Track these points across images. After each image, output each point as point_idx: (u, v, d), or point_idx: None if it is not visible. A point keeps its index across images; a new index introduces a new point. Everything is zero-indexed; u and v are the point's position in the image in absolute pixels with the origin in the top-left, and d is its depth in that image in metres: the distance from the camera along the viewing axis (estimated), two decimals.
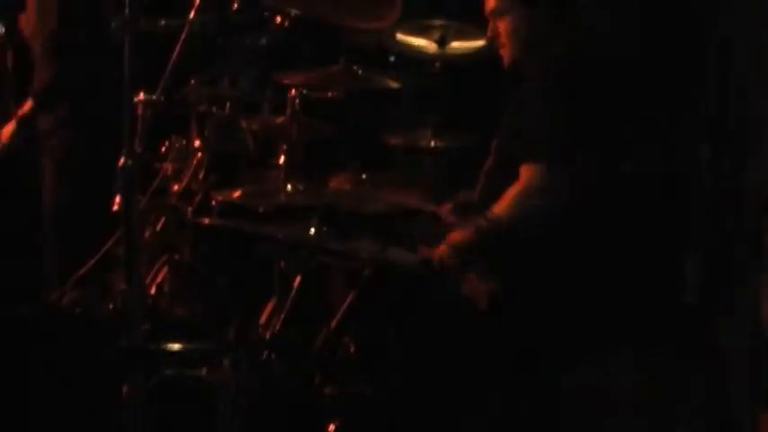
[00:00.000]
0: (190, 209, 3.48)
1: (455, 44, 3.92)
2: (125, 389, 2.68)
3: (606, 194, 2.87)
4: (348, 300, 3.16)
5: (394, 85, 3.98)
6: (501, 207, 2.87)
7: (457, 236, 2.95)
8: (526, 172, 2.81)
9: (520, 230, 2.83)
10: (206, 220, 3.28)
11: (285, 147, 3.41)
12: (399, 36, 3.99)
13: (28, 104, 4.04)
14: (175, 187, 3.55)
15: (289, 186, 3.28)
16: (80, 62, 3.92)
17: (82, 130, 3.95)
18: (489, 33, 3.05)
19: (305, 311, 3.03)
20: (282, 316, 2.99)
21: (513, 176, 2.89)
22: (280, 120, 3.75)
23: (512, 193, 2.84)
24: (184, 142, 3.62)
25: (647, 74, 4.90)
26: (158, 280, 3.41)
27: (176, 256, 3.42)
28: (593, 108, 2.89)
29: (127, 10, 2.66)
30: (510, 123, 3.05)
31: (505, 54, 3.01)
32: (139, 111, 3.23)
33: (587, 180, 2.83)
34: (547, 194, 2.77)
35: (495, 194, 2.95)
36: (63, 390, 3.12)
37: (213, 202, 3.42)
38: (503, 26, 3.00)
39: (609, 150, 2.96)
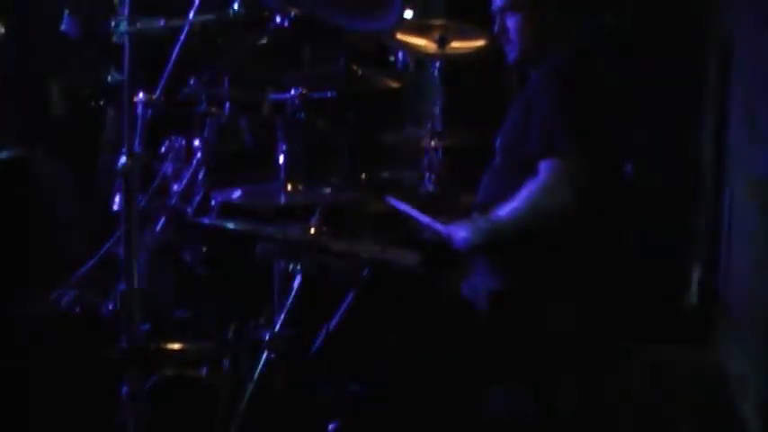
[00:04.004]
0: (190, 209, 3.48)
1: (455, 44, 3.91)
2: (125, 389, 2.68)
3: (612, 195, 2.86)
4: (348, 300, 3.16)
5: (394, 85, 3.99)
6: (515, 204, 2.80)
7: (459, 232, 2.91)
8: (545, 166, 2.76)
9: (531, 228, 2.78)
10: (206, 220, 3.28)
11: (285, 147, 3.41)
12: (399, 36, 3.99)
13: None
14: (175, 187, 3.55)
15: (289, 186, 3.28)
16: None
17: None
18: (496, 29, 3.02)
19: (305, 311, 3.03)
20: (282, 316, 2.99)
21: (517, 175, 2.87)
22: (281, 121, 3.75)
23: (529, 189, 2.77)
24: (184, 142, 3.62)
25: (646, 74, 4.90)
26: (158, 280, 3.42)
27: (176, 257, 3.43)
28: (603, 105, 2.88)
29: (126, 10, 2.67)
30: (515, 121, 3.04)
31: (512, 50, 3.00)
32: (139, 111, 3.23)
33: (601, 177, 2.80)
34: (566, 188, 2.72)
35: (499, 193, 2.93)
36: (63, 390, 3.12)
37: (213, 202, 3.42)
38: (512, 23, 2.98)
39: (617, 149, 2.94)
